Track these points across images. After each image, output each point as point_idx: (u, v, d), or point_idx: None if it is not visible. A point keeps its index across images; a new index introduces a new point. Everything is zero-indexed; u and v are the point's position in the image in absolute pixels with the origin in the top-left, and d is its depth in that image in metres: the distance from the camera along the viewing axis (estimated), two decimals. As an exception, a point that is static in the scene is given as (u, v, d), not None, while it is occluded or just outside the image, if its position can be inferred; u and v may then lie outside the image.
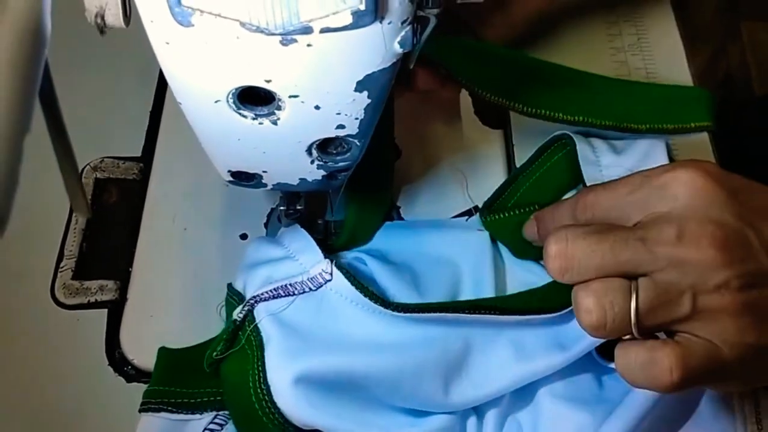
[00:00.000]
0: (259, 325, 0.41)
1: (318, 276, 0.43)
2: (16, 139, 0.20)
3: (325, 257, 0.44)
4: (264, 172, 0.40)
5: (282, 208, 0.48)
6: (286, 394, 0.39)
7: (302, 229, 0.46)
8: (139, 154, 0.56)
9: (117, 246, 0.51)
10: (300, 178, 0.41)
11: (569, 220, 0.42)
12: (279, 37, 0.29)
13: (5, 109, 0.20)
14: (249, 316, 0.42)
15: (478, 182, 0.54)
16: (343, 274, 0.43)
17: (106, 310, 0.49)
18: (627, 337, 0.36)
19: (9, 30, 0.20)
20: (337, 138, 0.37)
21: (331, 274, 0.43)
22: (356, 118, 0.35)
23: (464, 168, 0.54)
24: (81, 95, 0.56)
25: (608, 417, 0.40)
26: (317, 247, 0.44)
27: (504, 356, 0.42)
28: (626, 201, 0.38)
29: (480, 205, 0.52)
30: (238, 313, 0.42)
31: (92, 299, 0.49)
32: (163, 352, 0.45)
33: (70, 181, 0.28)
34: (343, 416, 0.39)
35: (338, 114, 0.35)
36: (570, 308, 0.39)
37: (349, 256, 0.47)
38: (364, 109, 0.35)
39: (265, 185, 0.42)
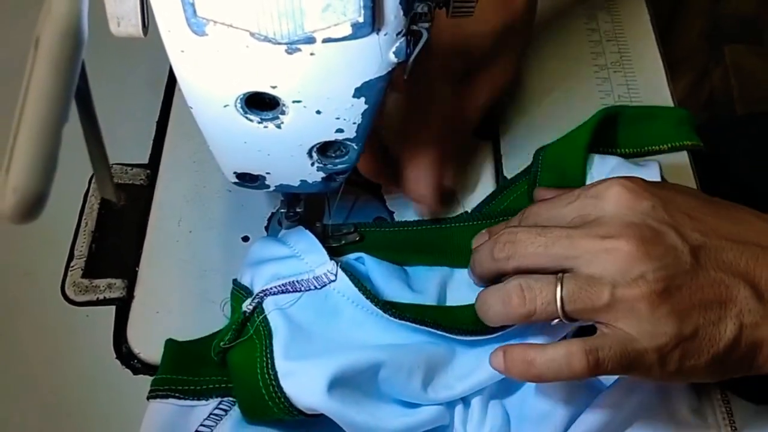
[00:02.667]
0: (267, 317, 0.44)
1: (323, 276, 0.46)
2: (55, 127, 0.23)
3: (330, 259, 0.47)
4: (267, 173, 0.43)
5: (282, 210, 0.50)
6: (319, 394, 0.41)
7: (306, 231, 0.49)
8: (146, 161, 0.58)
9: (125, 247, 0.54)
10: (301, 180, 0.43)
11: None
12: (285, 46, 0.32)
13: (47, 101, 0.23)
14: (258, 308, 0.45)
15: (467, 191, 0.57)
16: (347, 276, 0.46)
17: (114, 307, 0.51)
18: (555, 322, 0.40)
19: (51, 32, 0.23)
20: (336, 141, 0.40)
21: (336, 275, 0.46)
22: (354, 123, 0.38)
23: (454, 178, 0.57)
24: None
25: (587, 407, 0.43)
26: (323, 249, 0.47)
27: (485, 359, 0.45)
28: (564, 210, 0.43)
29: (470, 211, 0.55)
30: (247, 305, 0.45)
31: (101, 296, 0.51)
32: (170, 344, 0.47)
33: (101, 170, 0.31)
34: (346, 402, 0.41)
35: (338, 118, 0.38)
36: None
37: (349, 256, 0.50)
38: (362, 114, 0.37)
39: (268, 186, 0.45)
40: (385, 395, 0.44)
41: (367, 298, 0.45)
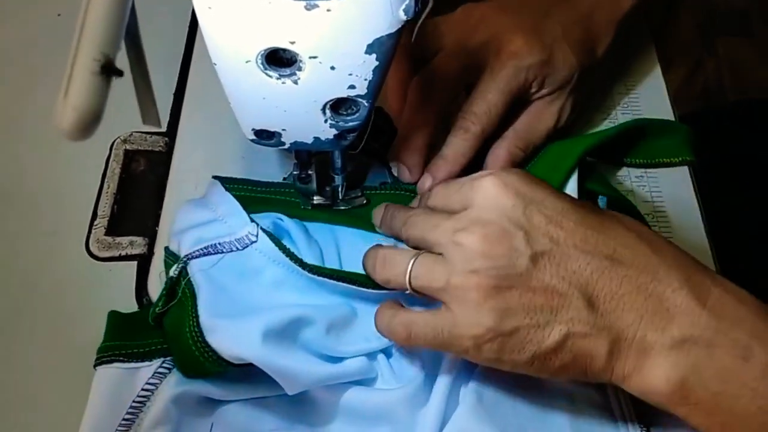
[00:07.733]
0: (192, 279, 0.48)
1: (245, 237, 0.50)
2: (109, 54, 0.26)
3: (251, 221, 0.50)
4: (283, 130, 0.46)
5: (295, 173, 0.53)
6: (246, 345, 0.44)
7: (227, 193, 0.52)
8: (164, 129, 0.62)
9: (145, 208, 0.57)
10: (314, 137, 0.47)
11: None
12: (304, 2, 0.36)
13: (101, 29, 0.26)
14: (183, 272, 0.48)
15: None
16: (267, 236, 0.49)
17: (135, 263, 0.55)
18: (408, 293, 0.45)
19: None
20: (348, 99, 0.43)
21: (257, 236, 0.49)
22: (366, 80, 0.41)
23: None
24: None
25: None
26: (244, 211, 0.51)
27: None
28: (452, 196, 0.47)
29: None
30: (174, 271, 0.48)
31: (123, 253, 0.55)
32: (113, 315, 0.50)
33: (145, 98, 0.34)
34: (272, 351, 0.44)
35: (350, 75, 0.41)
36: None
37: (271, 216, 0.53)
38: (373, 70, 0.41)
39: (284, 144, 0.48)
40: (308, 348, 0.47)
41: (287, 255, 0.48)
